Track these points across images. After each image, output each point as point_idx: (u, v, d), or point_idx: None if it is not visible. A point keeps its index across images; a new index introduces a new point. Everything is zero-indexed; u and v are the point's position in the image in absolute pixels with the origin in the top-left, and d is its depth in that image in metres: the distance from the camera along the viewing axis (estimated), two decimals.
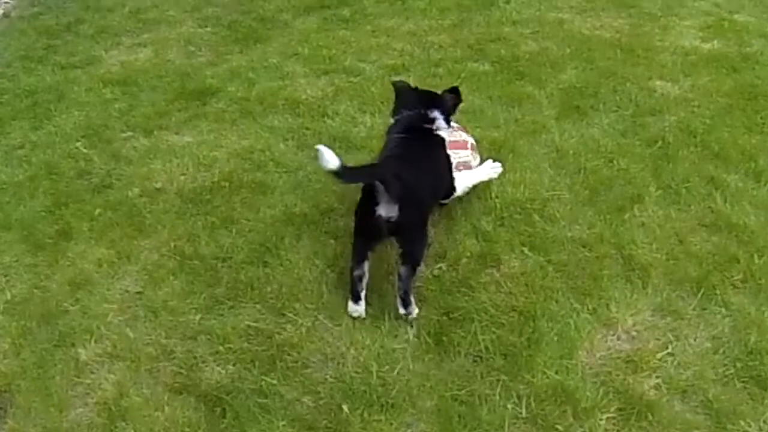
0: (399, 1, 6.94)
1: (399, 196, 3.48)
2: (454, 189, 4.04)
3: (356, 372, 3.41)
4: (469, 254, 3.95)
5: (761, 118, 4.95)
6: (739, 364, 3.35)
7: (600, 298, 3.67)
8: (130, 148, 5.11)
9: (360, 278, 3.66)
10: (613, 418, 3.16)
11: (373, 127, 4.97)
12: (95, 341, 3.69)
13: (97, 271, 4.09)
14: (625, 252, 3.92)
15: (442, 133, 4.05)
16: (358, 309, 3.68)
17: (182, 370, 3.50)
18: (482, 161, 4.32)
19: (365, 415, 3.22)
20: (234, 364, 3.50)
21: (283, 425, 3.22)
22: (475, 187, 4.22)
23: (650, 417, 3.15)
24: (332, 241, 4.10)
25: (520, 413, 3.20)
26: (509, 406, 3.22)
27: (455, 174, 4.06)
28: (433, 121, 4.02)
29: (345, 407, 3.25)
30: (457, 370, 3.39)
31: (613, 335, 3.51)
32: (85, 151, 5.11)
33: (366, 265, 3.67)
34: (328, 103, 5.40)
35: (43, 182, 4.83)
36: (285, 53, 6.20)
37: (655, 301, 3.66)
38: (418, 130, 3.99)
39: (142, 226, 4.36)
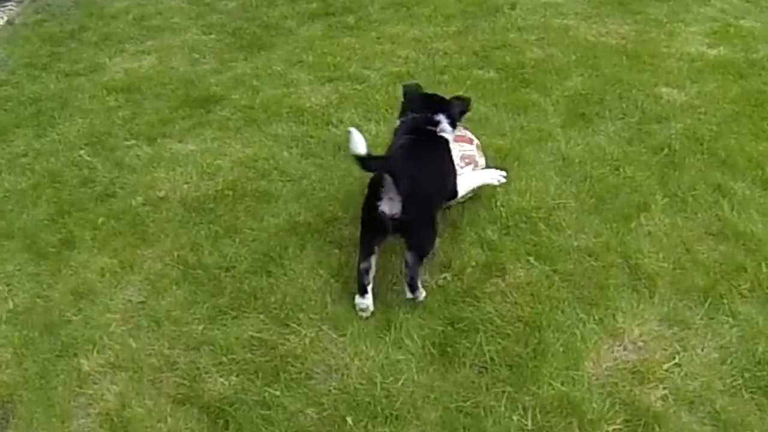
0: (404, 8, 6.93)
1: (405, 193, 3.51)
2: (456, 191, 4.03)
3: (360, 383, 3.38)
4: (474, 264, 3.93)
5: None
6: (746, 375, 3.32)
7: (606, 308, 3.65)
8: (133, 157, 5.09)
9: (366, 271, 3.67)
10: (620, 429, 3.14)
11: (378, 135, 4.93)
12: (98, 351, 3.67)
13: (100, 280, 4.07)
14: (632, 261, 3.90)
15: (447, 135, 4.05)
16: (365, 302, 3.68)
17: (185, 381, 3.48)
18: (487, 168, 4.31)
19: (369, 427, 3.20)
20: (237, 375, 3.48)
21: None
22: (479, 194, 4.20)
23: (657, 429, 3.12)
24: (336, 250, 4.08)
25: (526, 425, 3.17)
26: (515, 417, 3.19)
27: (459, 169, 4.08)
28: (437, 123, 4.02)
29: (349, 419, 3.23)
30: (462, 382, 3.36)
31: (620, 346, 3.49)
32: (88, 159, 5.09)
33: (373, 259, 3.68)
34: (333, 110, 5.38)
35: (46, 190, 4.81)
36: (289, 60, 6.18)
37: (661, 311, 3.64)
38: (422, 131, 4.01)
39: (145, 235, 4.34)
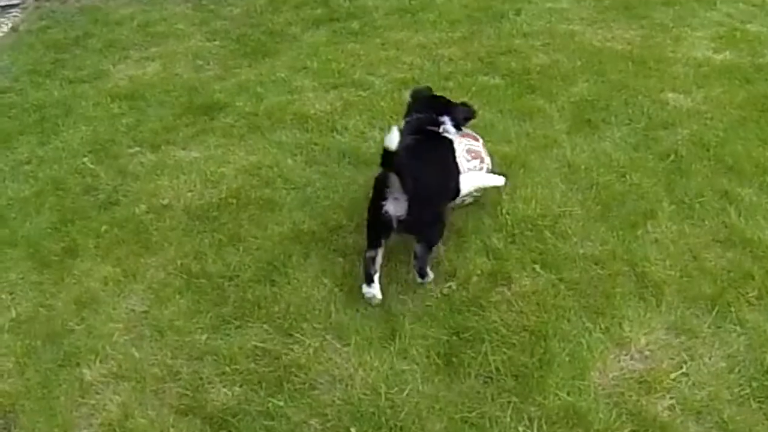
0: (408, 14, 6.90)
1: (410, 192, 3.54)
2: (459, 189, 4.03)
3: (364, 394, 3.36)
4: (479, 272, 3.91)
5: None
6: (754, 384, 3.29)
7: (613, 316, 3.62)
8: (137, 164, 5.08)
9: (372, 259, 3.69)
10: None
11: (382, 142, 4.89)
12: (100, 361, 3.65)
13: (103, 289, 4.06)
14: (638, 269, 3.87)
15: (450, 136, 4.08)
16: (372, 291, 3.70)
17: (188, 392, 3.46)
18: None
19: None
20: (240, 386, 3.46)
21: None
22: (483, 202, 4.18)
23: None
24: (341, 259, 4.06)
25: None
26: (520, 428, 3.17)
27: (465, 162, 4.11)
28: (441, 124, 4.05)
29: (353, 430, 3.21)
30: (467, 392, 3.34)
31: (626, 355, 3.46)
32: (91, 166, 5.08)
33: (379, 249, 3.71)
34: (337, 117, 5.36)
35: (49, 198, 4.80)
36: (294, 67, 6.16)
37: (668, 320, 3.61)
38: (426, 131, 4.03)
39: (149, 244, 4.33)
